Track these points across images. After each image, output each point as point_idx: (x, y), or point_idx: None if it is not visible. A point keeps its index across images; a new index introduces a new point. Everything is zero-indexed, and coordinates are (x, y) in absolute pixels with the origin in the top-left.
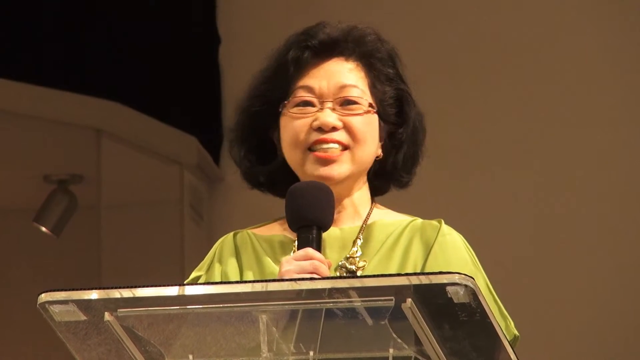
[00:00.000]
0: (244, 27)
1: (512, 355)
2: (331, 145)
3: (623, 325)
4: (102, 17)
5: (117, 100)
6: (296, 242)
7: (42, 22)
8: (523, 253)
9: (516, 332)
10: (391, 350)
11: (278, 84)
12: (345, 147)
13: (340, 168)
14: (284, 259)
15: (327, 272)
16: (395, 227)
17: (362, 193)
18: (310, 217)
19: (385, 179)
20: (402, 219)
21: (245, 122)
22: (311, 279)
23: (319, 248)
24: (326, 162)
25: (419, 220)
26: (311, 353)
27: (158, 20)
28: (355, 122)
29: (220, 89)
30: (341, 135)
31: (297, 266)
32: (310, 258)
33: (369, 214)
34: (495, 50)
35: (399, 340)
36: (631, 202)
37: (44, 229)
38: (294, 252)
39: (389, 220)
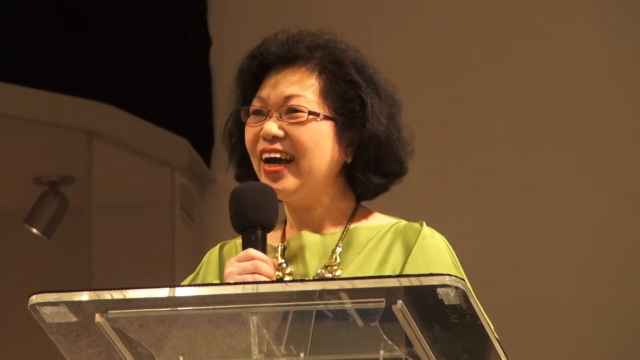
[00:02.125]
0: (235, 29)
1: (503, 357)
2: (273, 154)
3: (622, 329)
4: (93, 19)
5: (109, 102)
6: (243, 245)
7: (32, 23)
8: (521, 255)
9: (496, 336)
10: (382, 352)
11: (240, 94)
12: (291, 157)
13: (286, 182)
14: (228, 261)
15: (270, 271)
16: (378, 231)
17: (336, 198)
18: (251, 218)
19: (358, 183)
20: (385, 222)
21: (228, 128)
22: (259, 282)
23: (263, 248)
24: (273, 176)
25: (402, 223)
26: (302, 354)
27: (149, 22)
28: (297, 130)
29: (211, 90)
30: (285, 145)
31: (238, 267)
32: (252, 258)
33: (351, 219)
34: (488, 52)
35: (390, 342)
36: (630, 200)
37: (34, 230)
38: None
39: (371, 224)
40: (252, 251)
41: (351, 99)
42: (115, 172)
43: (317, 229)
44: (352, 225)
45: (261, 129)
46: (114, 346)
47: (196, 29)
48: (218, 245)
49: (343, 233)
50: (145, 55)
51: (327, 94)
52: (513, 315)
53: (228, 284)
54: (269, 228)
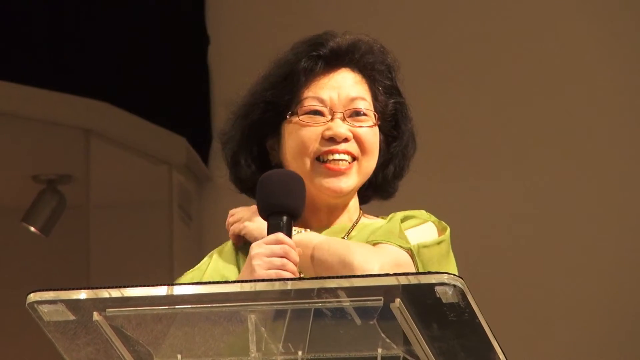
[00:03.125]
0: (233, 27)
1: (502, 356)
2: (342, 156)
3: (618, 323)
4: (90, 17)
5: (106, 100)
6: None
7: (31, 22)
8: (520, 249)
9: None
10: (380, 350)
11: (286, 92)
12: (354, 158)
13: (349, 181)
14: (255, 243)
15: (296, 258)
16: (376, 229)
17: (355, 201)
18: (280, 204)
19: (374, 189)
20: (380, 220)
21: (246, 128)
22: (290, 279)
23: (289, 235)
24: (336, 174)
25: (399, 215)
26: (300, 353)
27: (147, 20)
28: (365, 133)
29: (210, 89)
30: (351, 147)
31: (267, 249)
32: (281, 242)
33: (357, 220)
34: (486, 51)
35: (388, 340)
36: (625, 196)
37: (32, 228)
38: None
39: (374, 223)
40: (281, 235)
41: (391, 109)
42: (113, 170)
43: (325, 224)
44: (359, 222)
45: (325, 129)
46: (112, 344)
47: (194, 27)
48: (229, 241)
49: (352, 227)
50: (143, 53)
51: (376, 100)
52: (504, 312)
53: (226, 282)
54: (296, 217)
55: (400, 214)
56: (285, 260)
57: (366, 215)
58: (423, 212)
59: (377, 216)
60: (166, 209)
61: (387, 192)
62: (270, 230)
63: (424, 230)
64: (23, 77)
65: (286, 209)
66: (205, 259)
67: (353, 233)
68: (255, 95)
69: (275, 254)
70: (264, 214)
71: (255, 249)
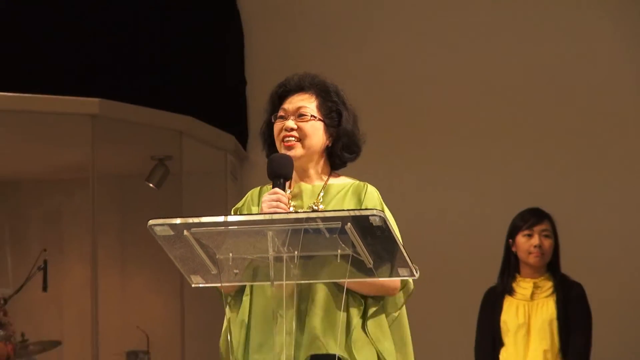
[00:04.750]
0: (265, 74)
1: (406, 256)
2: (290, 139)
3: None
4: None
5: (193, 115)
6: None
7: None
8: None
9: (402, 243)
10: (339, 251)
11: (272, 109)
12: (298, 139)
13: (296, 152)
14: (265, 194)
15: (285, 201)
16: (344, 187)
17: (320, 166)
18: (278, 172)
19: (335, 157)
20: (348, 182)
21: (264, 134)
22: (278, 213)
23: (283, 188)
24: (288, 148)
25: (357, 182)
26: (296, 252)
27: (203, 73)
28: (303, 125)
29: (247, 112)
30: (296, 133)
31: (269, 197)
32: (276, 193)
33: (328, 179)
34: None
35: (343, 245)
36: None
37: (151, 185)
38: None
39: (340, 182)
40: (277, 189)
41: (332, 110)
42: (194, 154)
43: (309, 181)
44: (329, 182)
45: (283, 125)
46: (194, 248)
47: (236, 71)
48: (257, 188)
49: (323, 186)
50: (215, 85)
51: (320, 107)
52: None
53: (258, 214)
54: (287, 178)
55: (372, 194)
56: (277, 202)
57: (335, 175)
58: (376, 194)
59: (349, 176)
60: (223, 175)
61: (341, 160)
62: (273, 186)
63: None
64: (142, 97)
65: (280, 174)
66: (242, 200)
67: (322, 194)
68: (267, 110)
69: (272, 200)
70: (270, 177)
71: (264, 197)
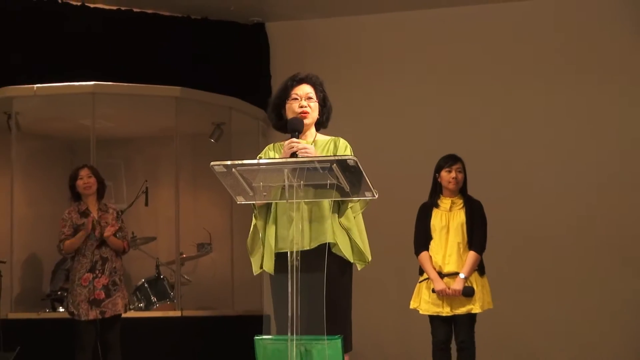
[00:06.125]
0: (280, 71)
1: (369, 184)
2: (305, 112)
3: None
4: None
5: (239, 97)
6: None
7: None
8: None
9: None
10: (328, 181)
11: (286, 92)
12: (308, 113)
13: (307, 120)
14: (286, 142)
15: (299, 147)
16: (326, 141)
17: (312, 128)
18: (295, 128)
19: (320, 124)
20: (328, 138)
21: (275, 106)
22: (295, 157)
23: (297, 137)
24: (304, 117)
25: (334, 138)
26: (302, 182)
27: (245, 72)
28: (312, 105)
29: (271, 95)
30: (307, 109)
31: (288, 145)
32: (293, 142)
33: (315, 135)
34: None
35: (330, 178)
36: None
37: (212, 140)
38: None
39: (322, 138)
40: (294, 139)
41: (323, 97)
42: (239, 121)
43: (305, 138)
44: (316, 138)
45: (299, 104)
46: (238, 179)
47: (264, 70)
48: (272, 144)
49: (314, 140)
50: (250, 82)
51: (317, 95)
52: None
53: (278, 158)
54: (300, 132)
55: (343, 144)
56: (293, 150)
57: (320, 134)
58: (346, 144)
59: (325, 135)
60: (256, 134)
61: (323, 125)
62: (291, 137)
63: (347, 146)
64: (208, 85)
65: (297, 130)
66: (263, 151)
67: (313, 145)
68: (278, 93)
69: (291, 147)
70: (290, 131)
71: (284, 145)
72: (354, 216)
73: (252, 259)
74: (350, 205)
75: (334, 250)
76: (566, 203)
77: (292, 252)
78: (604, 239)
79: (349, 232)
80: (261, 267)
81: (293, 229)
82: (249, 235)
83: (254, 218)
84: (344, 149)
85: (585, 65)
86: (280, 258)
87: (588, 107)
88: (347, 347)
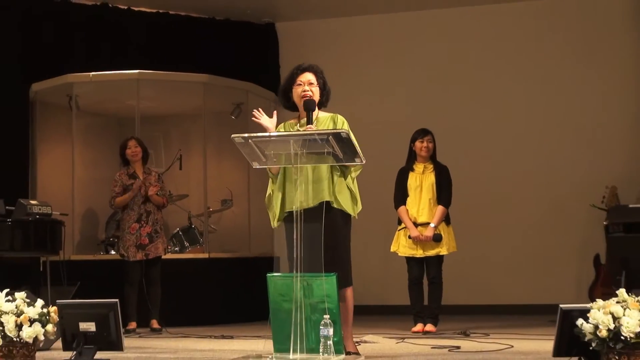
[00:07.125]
0: (288, 64)
1: (359, 151)
2: (308, 92)
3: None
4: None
5: (254, 82)
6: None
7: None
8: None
9: (356, 144)
10: (325, 149)
11: (292, 80)
12: (311, 95)
13: (312, 99)
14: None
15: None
16: (326, 117)
17: (317, 108)
18: (309, 107)
19: (321, 104)
20: (327, 114)
21: (284, 91)
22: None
23: (310, 119)
24: (309, 97)
25: (332, 114)
26: (304, 150)
27: (260, 64)
28: (313, 89)
29: (280, 82)
30: (309, 92)
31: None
32: (254, 113)
33: (317, 113)
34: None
35: (327, 147)
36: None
37: (233, 117)
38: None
39: (323, 115)
40: (310, 126)
41: (322, 82)
42: (255, 101)
43: (313, 115)
44: (319, 115)
45: (302, 89)
46: (254, 148)
47: (275, 62)
48: (282, 123)
49: (316, 117)
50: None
51: (317, 81)
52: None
53: (287, 132)
54: (313, 110)
55: (341, 120)
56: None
57: (321, 111)
58: (343, 119)
59: (326, 112)
60: (269, 111)
61: (324, 105)
62: (307, 115)
63: (344, 121)
64: (230, 72)
65: (310, 108)
66: (279, 126)
67: (316, 122)
68: (285, 80)
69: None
70: (305, 110)
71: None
72: (351, 176)
73: (269, 214)
74: (346, 169)
75: (335, 205)
76: (516, 163)
77: (296, 209)
78: (547, 192)
79: (351, 191)
80: (278, 221)
81: (298, 189)
82: (266, 196)
83: (270, 182)
84: (342, 124)
85: (537, 15)
86: (291, 213)
87: (537, 70)
88: (348, 282)
